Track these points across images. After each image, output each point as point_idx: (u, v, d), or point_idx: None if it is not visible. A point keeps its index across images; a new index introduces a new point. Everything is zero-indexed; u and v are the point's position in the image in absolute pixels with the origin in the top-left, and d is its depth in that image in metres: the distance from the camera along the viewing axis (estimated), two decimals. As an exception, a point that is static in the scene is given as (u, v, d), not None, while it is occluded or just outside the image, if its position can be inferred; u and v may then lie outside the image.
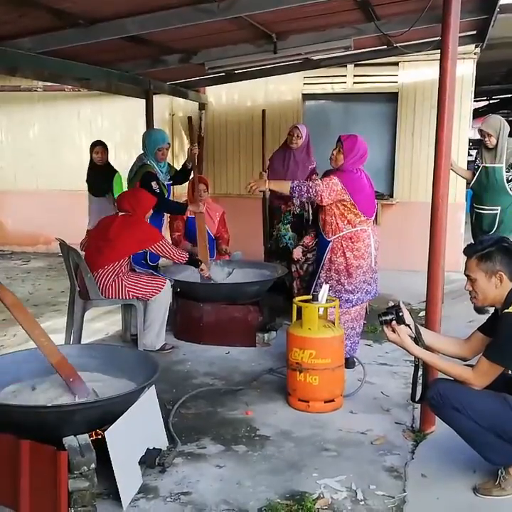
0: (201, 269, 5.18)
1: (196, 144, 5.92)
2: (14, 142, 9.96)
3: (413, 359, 3.21)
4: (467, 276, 2.96)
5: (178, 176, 6.02)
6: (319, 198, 4.39)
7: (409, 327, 3.09)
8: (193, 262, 5.15)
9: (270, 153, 6.30)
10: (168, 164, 5.85)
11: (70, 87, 8.54)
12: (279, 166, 5.96)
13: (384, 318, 3.10)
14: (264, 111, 6.52)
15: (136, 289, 4.81)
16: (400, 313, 3.07)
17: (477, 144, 6.25)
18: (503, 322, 2.80)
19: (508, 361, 2.80)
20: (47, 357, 3.25)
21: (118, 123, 9.37)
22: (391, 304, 3.18)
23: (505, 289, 2.87)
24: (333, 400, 3.95)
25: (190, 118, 6.24)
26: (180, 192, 6.61)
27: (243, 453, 3.40)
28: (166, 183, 5.67)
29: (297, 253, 5.29)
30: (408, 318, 3.09)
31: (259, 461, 3.30)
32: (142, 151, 5.64)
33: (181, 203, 5.86)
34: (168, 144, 5.69)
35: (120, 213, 4.88)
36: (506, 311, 2.82)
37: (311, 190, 4.37)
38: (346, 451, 3.42)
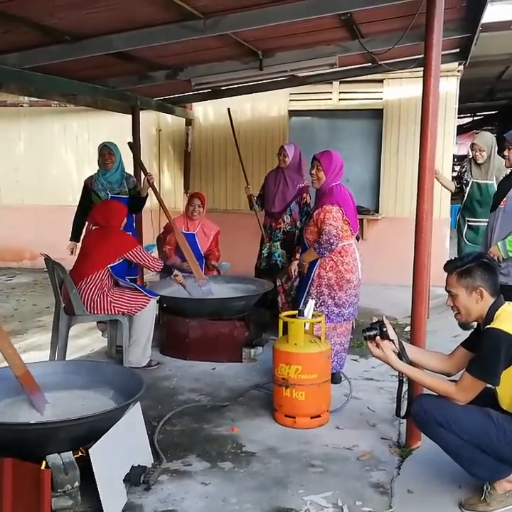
0: (175, 275, 5.16)
1: (151, 174, 5.76)
2: (0, 157, 9.93)
3: (397, 374, 3.22)
4: (448, 292, 2.98)
5: (132, 204, 5.70)
6: (340, 236, 4.40)
7: (393, 342, 3.10)
8: (168, 269, 5.17)
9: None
10: (127, 174, 5.85)
11: (56, 102, 8.54)
12: (272, 186, 6.06)
13: (368, 333, 3.11)
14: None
15: (121, 305, 4.79)
16: (384, 329, 3.08)
17: (461, 160, 6.36)
18: (485, 337, 2.82)
19: (490, 376, 2.81)
20: (12, 368, 3.21)
21: (104, 138, 9.25)
22: (375, 319, 3.20)
23: (486, 305, 2.89)
24: (319, 416, 3.94)
25: (130, 143, 5.91)
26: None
27: (229, 470, 3.38)
28: (108, 193, 5.64)
29: (294, 268, 5.30)
30: (392, 333, 3.10)
31: (245, 478, 3.28)
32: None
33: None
34: (108, 148, 5.68)
35: (94, 227, 4.95)
36: (488, 326, 2.83)
37: (332, 238, 4.35)
38: (332, 467, 3.41)
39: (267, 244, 6.04)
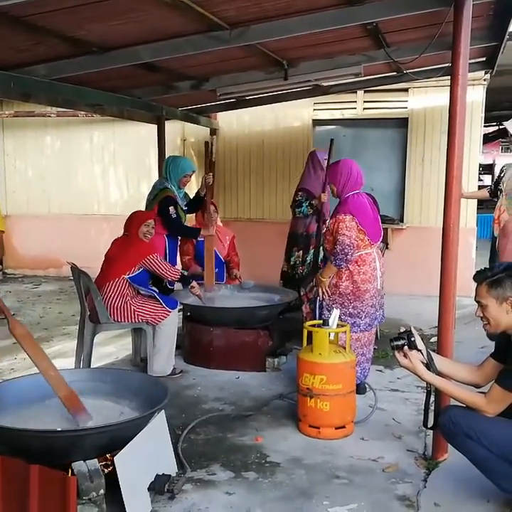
0: (192, 287, 5.14)
1: (210, 173, 5.92)
2: (27, 167, 10.08)
3: (425, 385, 3.18)
4: (477, 302, 2.93)
5: (192, 204, 6.01)
6: (354, 245, 4.34)
7: (421, 352, 3.07)
8: (185, 279, 5.14)
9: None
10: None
11: (83, 112, 8.65)
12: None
13: (396, 343, 3.08)
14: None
15: (145, 314, 4.83)
16: (412, 339, 3.05)
17: (487, 169, 6.30)
18: None
19: None
20: (55, 390, 3.23)
21: (130, 148, 9.46)
22: (402, 329, 3.17)
23: None
24: (344, 427, 3.91)
25: (207, 143, 6.19)
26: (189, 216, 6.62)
27: (253, 480, 3.36)
28: (184, 207, 5.74)
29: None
30: (420, 343, 3.07)
31: (269, 489, 3.26)
32: (163, 176, 5.72)
33: (194, 227, 5.93)
34: (193, 171, 5.78)
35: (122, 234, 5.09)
36: None
37: (346, 248, 4.29)
38: (357, 478, 3.37)
39: (312, 251, 6.04)
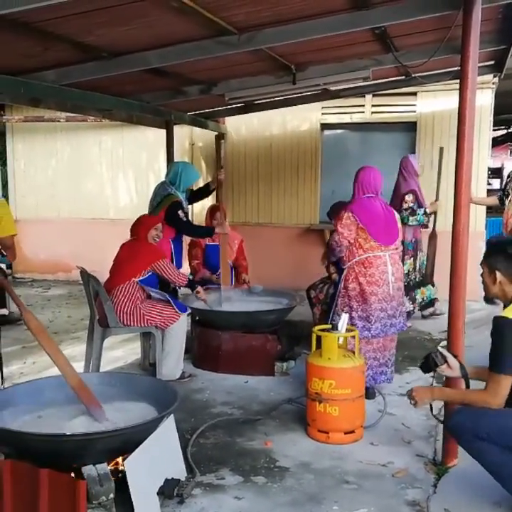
0: (197, 292, 5.15)
1: (222, 169, 6.02)
2: (36, 171, 10.13)
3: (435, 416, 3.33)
4: (480, 263, 3.09)
5: (198, 194, 6.09)
6: (346, 241, 4.46)
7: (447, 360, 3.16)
8: (191, 284, 5.16)
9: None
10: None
11: (92, 117, 8.69)
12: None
13: (425, 369, 3.26)
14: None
15: (154, 317, 4.84)
16: (435, 355, 3.21)
17: (496, 173, 6.28)
18: (493, 328, 2.83)
19: (506, 367, 2.76)
20: (66, 379, 3.28)
21: (139, 153, 9.50)
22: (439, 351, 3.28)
23: (506, 289, 2.92)
24: (353, 431, 3.90)
25: (217, 136, 6.29)
26: (199, 220, 6.64)
27: (262, 484, 3.35)
28: (186, 209, 5.78)
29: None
30: (452, 360, 3.19)
31: (278, 493, 3.26)
32: (166, 182, 5.72)
33: (208, 227, 5.96)
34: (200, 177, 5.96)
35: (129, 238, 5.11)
36: (496, 315, 2.85)
37: (333, 244, 4.52)
38: (367, 483, 3.36)
39: (409, 261, 6.33)
